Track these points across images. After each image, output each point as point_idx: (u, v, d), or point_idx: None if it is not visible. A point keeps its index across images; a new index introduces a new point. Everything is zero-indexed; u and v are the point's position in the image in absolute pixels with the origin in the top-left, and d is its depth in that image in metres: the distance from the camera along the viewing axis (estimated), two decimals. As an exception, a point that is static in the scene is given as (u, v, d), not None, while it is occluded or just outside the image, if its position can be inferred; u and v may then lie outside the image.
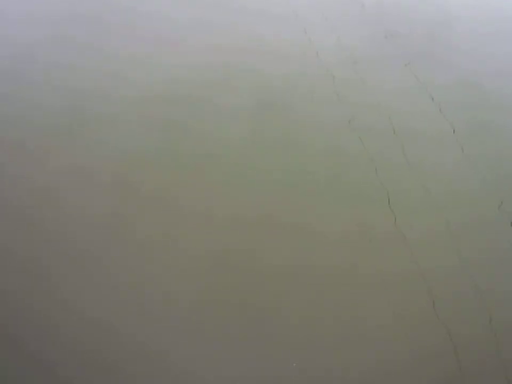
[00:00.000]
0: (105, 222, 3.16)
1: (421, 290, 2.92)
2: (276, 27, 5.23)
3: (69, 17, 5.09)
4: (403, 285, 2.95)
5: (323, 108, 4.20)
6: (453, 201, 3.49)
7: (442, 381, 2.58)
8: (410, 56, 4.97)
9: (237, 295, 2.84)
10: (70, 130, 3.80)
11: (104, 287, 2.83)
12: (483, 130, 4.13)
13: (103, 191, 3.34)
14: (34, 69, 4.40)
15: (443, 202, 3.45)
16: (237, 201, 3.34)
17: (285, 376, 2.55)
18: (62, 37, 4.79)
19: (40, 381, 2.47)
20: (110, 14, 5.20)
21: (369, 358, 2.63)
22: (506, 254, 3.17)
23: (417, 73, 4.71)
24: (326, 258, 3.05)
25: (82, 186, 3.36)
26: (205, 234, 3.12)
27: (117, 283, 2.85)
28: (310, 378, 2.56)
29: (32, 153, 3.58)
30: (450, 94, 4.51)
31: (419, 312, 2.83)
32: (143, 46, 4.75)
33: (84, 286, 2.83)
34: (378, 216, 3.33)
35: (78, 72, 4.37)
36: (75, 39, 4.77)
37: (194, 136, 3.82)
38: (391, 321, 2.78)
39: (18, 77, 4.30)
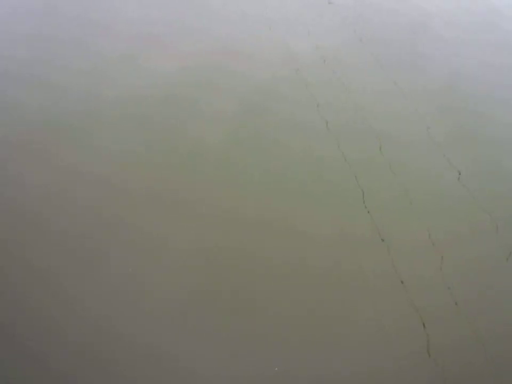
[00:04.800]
0: (96, 219, 3.18)
1: (401, 294, 2.95)
2: (255, 33, 5.26)
3: (56, 16, 5.04)
4: (384, 287, 2.99)
5: (301, 111, 4.24)
6: (434, 209, 3.51)
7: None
8: (387, 60, 5.04)
9: (227, 292, 2.89)
10: (57, 129, 3.78)
11: (99, 283, 2.86)
12: (464, 136, 4.18)
13: (93, 188, 3.36)
14: (18, 66, 4.33)
15: (424, 209, 3.49)
16: (221, 200, 3.37)
17: (273, 375, 2.59)
18: (48, 35, 4.75)
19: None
20: (97, 14, 5.15)
21: (355, 357, 2.68)
22: (491, 267, 3.19)
23: (395, 77, 4.78)
24: (308, 257, 3.10)
25: (71, 184, 3.38)
26: (194, 232, 3.16)
27: (111, 279, 2.89)
28: (300, 376, 2.59)
29: (21, 151, 3.57)
30: (429, 98, 4.58)
31: (399, 313, 2.87)
32: (129, 48, 4.73)
33: (79, 281, 2.86)
34: (357, 217, 3.37)
35: (64, 71, 4.33)
36: (62, 38, 4.72)
37: (180, 136, 3.87)
38: (371, 322, 2.82)
39: (2, 75, 4.25)
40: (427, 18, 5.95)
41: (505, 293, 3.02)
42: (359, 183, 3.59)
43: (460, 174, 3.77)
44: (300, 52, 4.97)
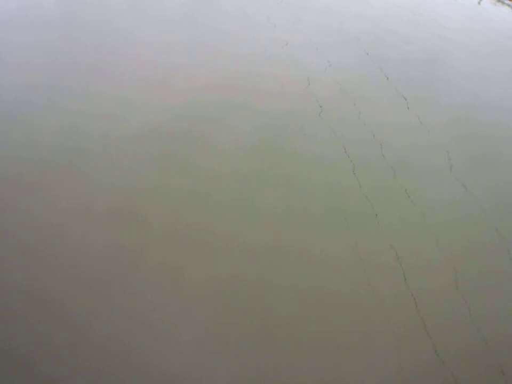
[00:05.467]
0: (111, 254, 3.19)
1: (413, 312, 2.99)
2: (271, 65, 5.38)
3: (65, 62, 5.21)
4: (397, 307, 3.04)
5: (320, 145, 4.28)
6: (450, 230, 3.56)
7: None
8: (406, 91, 5.12)
9: (244, 318, 2.89)
10: (70, 169, 3.83)
11: (113, 316, 2.85)
12: (480, 162, 4.24)
13: (107, 225, 3.38)
14: (31, 110, 4.44)
15: (440, 231, 3.53)
16: (239, 232, 3.40)
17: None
18: (59, 81, 4.87)
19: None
20: (104, 59, 5.28)
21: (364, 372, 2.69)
22: (502, 283, 3.22)
23: (414, 108, 4.84)
24: (328, 283, 3.13)
25: (85, 222, 3.38)
26: (211, 262, 3.18)
27: (125, 312, 2.88)
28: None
29: (34, 191, 3.60)
30: (446, 127, 4.62)
31: (411, 332, 2.89)
32: (138, 86, 4.83)
33: (93, 318, 2.84)
34: (375, 244, 3.41)
35: (75, 114, 4.40)
36: (70, 83, 4.85)
37: (194, 172, 3.88)
38: (385, 339, 2.84)
39: (16, 118, 4.34)
40: (446, 47, 6.09)
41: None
42: (378, 213, 3.62)
43: (477, 200, 3.80)
44: (319, 85, 5.06)
